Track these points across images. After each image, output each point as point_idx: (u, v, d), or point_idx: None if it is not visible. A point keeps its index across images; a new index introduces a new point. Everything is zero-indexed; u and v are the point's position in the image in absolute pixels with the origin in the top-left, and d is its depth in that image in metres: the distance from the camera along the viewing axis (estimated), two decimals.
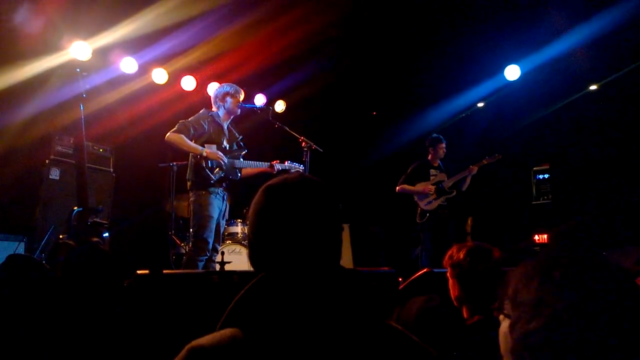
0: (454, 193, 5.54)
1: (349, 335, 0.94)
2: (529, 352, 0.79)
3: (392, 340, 0.99)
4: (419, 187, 5.57)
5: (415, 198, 5.63)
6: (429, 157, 5.71)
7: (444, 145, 5.64)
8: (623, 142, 5.80)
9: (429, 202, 5.53)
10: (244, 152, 4.35)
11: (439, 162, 5.71)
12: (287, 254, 1.03)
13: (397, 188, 5.68)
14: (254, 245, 1.08)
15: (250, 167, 4.32)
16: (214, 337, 0.92)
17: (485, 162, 5.54)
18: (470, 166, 5.52)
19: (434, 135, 5.73)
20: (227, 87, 4.24)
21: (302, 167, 4.52)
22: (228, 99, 4.20)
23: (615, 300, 0.76)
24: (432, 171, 5.65)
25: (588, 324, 0.75)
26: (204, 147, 4.01)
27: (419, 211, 5.61)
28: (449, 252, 2.13)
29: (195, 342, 0.91)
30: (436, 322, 1.89)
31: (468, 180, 5.55)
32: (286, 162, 4.46)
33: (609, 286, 0.78)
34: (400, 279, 3.31)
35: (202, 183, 3.99)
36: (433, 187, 5.53)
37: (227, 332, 0.93)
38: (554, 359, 0.76)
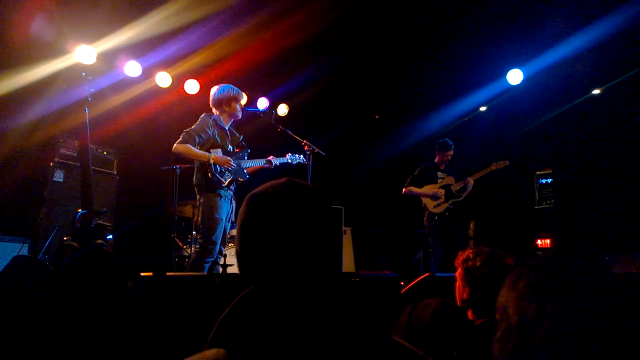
0: (463, 197, 5.50)
1: (346, 353, 0.86)
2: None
3: (395, 356, 0.92)
4: (427, 189, 5.54)
5: (424, 200, 5.58)
6: (436, 159, 5.70)
7: (451, 152, 5.61)
8: (626, 147, 5.80)
9: (438, 205, 5.49)
10: (248, 152, 4.35)
11: (444, 165, 5.69)
12: (275, 267, 0.94)
13: (404, 190, 5.63)
14: (242, 259, 1.00)
15: (252, 166, 4.34)
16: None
17: (493, 167, 5.51)
18: (468, 177, 5.46)
19: (444, 140, 5.68)
20: (231, 90, 4.21)
21: (302, 157, 4.49)
22: (234, 104, 4.20)
23: (587, 309, 0.72)
24: (440, 174, 5.63)
25: (559, 332, 0.72)
26: (210, 152, 4.02)
27: (426, 214, 5.55)
28: (464, 255, 2.11)
29: None
30: (452, 327, 1.87)
31: (469, 190, 5.48)
32: (287, 155, 4.46)
33: (584, 297, 0.74)
34: (402, 283, 3.31)
35: (212, 186, 3.99)
36: (443, 190, 5.50)
37: (210, 353, 0.86)
38: None
